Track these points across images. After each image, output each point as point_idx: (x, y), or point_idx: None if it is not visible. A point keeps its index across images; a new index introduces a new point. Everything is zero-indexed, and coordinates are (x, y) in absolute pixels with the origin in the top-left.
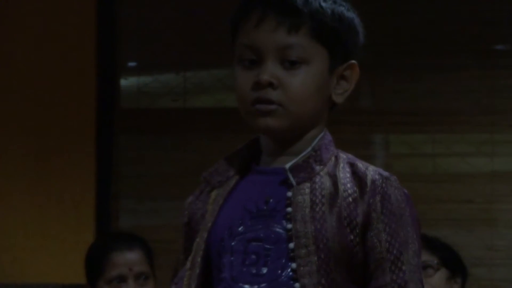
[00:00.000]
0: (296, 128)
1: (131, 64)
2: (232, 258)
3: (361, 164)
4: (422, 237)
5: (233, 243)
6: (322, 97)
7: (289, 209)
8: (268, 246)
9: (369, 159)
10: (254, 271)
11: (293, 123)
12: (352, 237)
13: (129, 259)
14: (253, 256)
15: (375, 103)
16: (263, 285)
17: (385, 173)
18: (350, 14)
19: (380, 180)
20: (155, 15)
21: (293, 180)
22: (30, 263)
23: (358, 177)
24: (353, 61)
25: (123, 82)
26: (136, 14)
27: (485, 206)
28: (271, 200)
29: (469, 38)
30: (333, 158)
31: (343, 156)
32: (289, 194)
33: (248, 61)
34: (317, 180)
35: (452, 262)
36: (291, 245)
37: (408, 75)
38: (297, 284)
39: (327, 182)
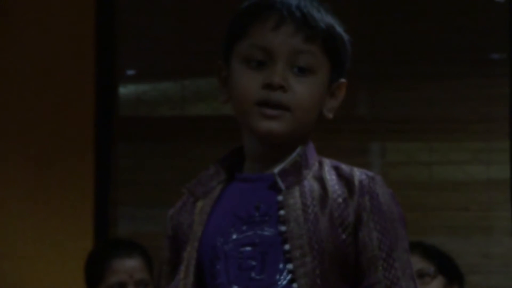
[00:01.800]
0: (294, 136)
1: (130, 72)
2: (226, 264)
3: (345, 167)
4: (419, 245)
5: (226, 249)
6: (319, 109)
7: (282, 211)
8: (264, 251)
9: (365, 167)
10: (251, 276)
11: (294, 130)
12: (344, 237)
13: (129, 266)
14: (249, 261)
15: (371, 111)
16: None
17: (370, 173)
18: (346, 35)
19: (367, 180)
20: (154, 24)
21: (281, 184)
22: (29, 271)
23: (344, 178)
24: (344, 80)
25: (122, 90)
26: (134, 22)
27: (481, 213)
28: (262, 205)
29: (465, 47)
30: (316, 163)
31: (326, 161)
32: (280, 198)
33: (256, 62)
34: (305, 183)
35: (449, 270)
36: (287, 246)
37: (405, 84)
38: (294, 285)
39: (315, 185)
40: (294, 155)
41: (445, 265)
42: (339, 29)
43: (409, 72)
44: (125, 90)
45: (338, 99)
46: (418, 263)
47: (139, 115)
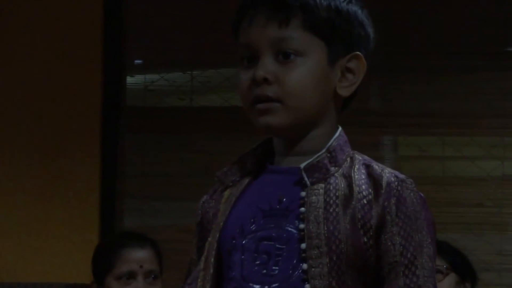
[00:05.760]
0: (299, 125)
1: (138, 62)
2: (242, 256)
3: (377, 166)
4: None
5: (244, 242)
6: (324, 90)
7: (302, 209)
8: (280, 246)
9: (378, 160)
10: (264, 271)
11: (293, 118)
12: (365, 239)
13: (140, 256)
14: (264, 255)
15: (384, 104)
16: (274, 285)
17: (401, 176)
18: (351, 6)
19: (396, 183)
20: (162, 13)
21: (307, 180)
22: (34, 263)
23: (373, 179)
24: (357, 52)
25: (130, 80)
26: (142, 12)
27: (495, 210)
28: (284, 199)
29: (480, 40)
30: (348, 159)
31: (358, 157)
32: (303, 194)
33: (246, 59)
34: (331, 181)
35: (462, 267)
36: (303, 245)
37: (419, 77)
38: (307, 285)
39: (341, 183)
40: (323, 150)
41: (458, 262)
42: (329, 1)
43: (423, 66)
44: (132, 80)
45: (357, 73)
46: None
47: (146, 105)
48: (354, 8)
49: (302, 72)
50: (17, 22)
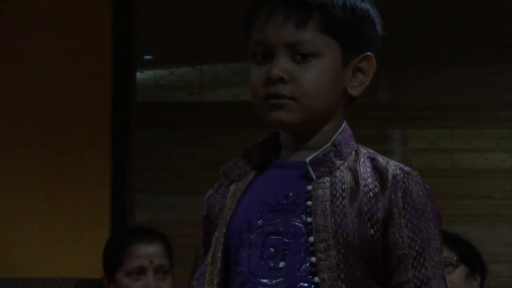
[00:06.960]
0: (310, 122)
1: (147, 57)
2: (250, 251)
3: (382, 159)
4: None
5: (251, 236)
6: (337, 90)
7: (309, 202)
8: (287, 240)
9: (387, 154)
10: (272, 265)
11: (306, 116)
12: (372, 232)
13: (150, 251)
14: (272, 250)
15: (393, 97)
16: (281, 279)
17: (406, 168)
18: (364, 5)
19: (402, 175)
20: (171, 8)
21: (313, 174)
22: (45, 258)
23: (379, 172)
24: (369, 53)
25: (139, 75)
26: (152, 7)
27: (504, 202)
28: (291, 193)
29: (488, 33)
30: (353, 153)
31: (363, 150)
32: (309, 187)
33: (260, 55)
34: (337, 174)
35: (472, 259)
36: (311, 239)
37: (427, 70)
38: (316, 278)
39: (347, 177)
40: (328, 144)
41: (468, 254)
42: (344, 1)
43: (431, 58)
44: (142, 75)
45: (367, 73)
46: None
47: (156, 100)
48: (367, 6)
49: (318, 72)
50: (28, 19)
